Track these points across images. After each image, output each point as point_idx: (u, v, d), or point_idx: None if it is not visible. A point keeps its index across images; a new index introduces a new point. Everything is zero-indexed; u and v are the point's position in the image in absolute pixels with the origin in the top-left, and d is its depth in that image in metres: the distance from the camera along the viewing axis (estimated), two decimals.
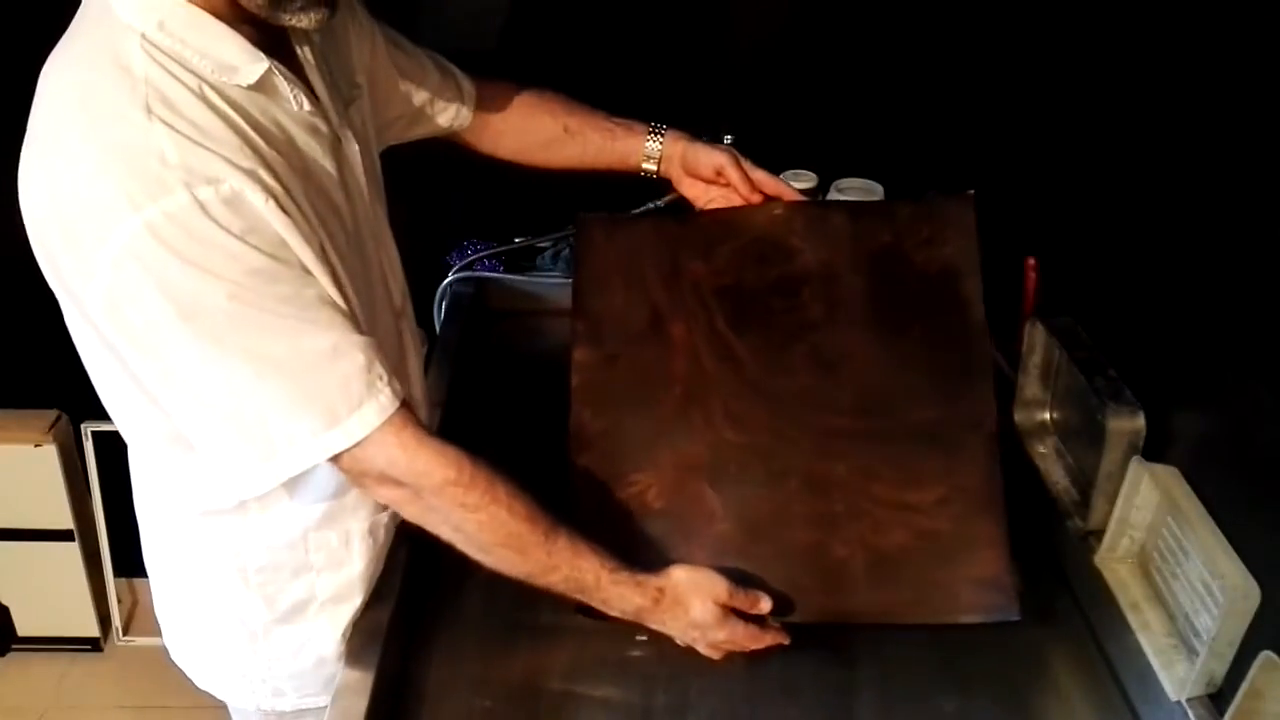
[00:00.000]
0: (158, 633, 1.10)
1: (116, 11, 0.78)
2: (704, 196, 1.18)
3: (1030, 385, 1.23)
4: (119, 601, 2.13)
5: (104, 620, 2.14)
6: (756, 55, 1.61)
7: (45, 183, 0.77)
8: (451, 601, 0.96)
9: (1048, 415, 1.24)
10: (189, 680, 1.09)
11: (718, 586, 0.94)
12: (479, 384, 1.40)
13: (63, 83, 0.79)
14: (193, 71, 0.78)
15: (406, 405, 0.85)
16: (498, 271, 1.61)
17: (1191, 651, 0.93)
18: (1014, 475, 1.26)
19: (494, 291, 1.59)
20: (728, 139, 1.56)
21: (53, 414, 1.98)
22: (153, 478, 0.99)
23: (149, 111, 0.75)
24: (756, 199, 1.14)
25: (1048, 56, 1.30)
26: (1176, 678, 0.93)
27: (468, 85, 1.17)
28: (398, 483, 0.86)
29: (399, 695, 1.00)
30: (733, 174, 1.13)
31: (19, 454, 1.94)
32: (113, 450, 1.89)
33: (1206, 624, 0.90)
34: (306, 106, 0.87)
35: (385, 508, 1.00)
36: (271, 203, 0.78)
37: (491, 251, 1.61)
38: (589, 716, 0.98)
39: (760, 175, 1.15)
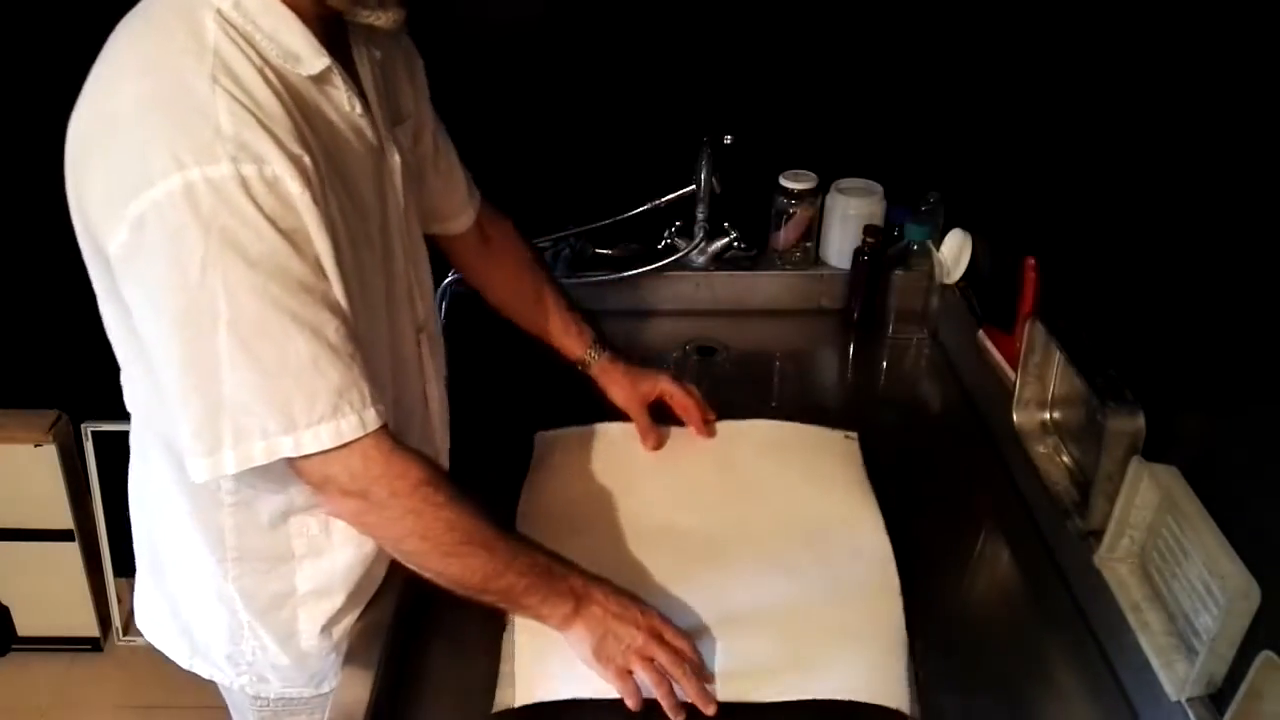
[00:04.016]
0: None
1: None
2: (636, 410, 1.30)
3: (1030, 385, 1.23)
4: (119, 601, 2.13)
5: (104, 620, 2.14)
6: (756, 55, 1.62)
7: (96, 125, 0.80)
8: (451, 601, 0.96)
9: (1048, 415, 1.24)
10: (181, 671, 1.08)
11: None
12: (479, 383, 1.40)
13: (133, 39, 0.81)
14: (259, 52, 0.81)
15: (381, 431, 0.86)
16: None
17: (1191, 651, 0.93)
18: (1014, 475, 1.27)
19: None
20: (728, 139, 1.56)
21: (53, 414, 1.98)
22: (151, 442, 0.99)
23: (214, 80, 0.77)
24: (704, 429, 1.29)
25: (1048, 56, 1.30)
26: (1176, 678, 0.93)
27: (476, 197, 1.23)
28: (359, 494, 0.87)
29: (399, 694, 1.00)
30: (676, 396, 1.29)
31: (19, 454, 1.95)
32: (113, 450, 1.90)
33: (1206, 624, 0.90)
34: (358, 109, 0.89)
35: None
36: (307, 194, 0.80)
37: None
38: (589, 717, 0.98)
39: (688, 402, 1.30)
